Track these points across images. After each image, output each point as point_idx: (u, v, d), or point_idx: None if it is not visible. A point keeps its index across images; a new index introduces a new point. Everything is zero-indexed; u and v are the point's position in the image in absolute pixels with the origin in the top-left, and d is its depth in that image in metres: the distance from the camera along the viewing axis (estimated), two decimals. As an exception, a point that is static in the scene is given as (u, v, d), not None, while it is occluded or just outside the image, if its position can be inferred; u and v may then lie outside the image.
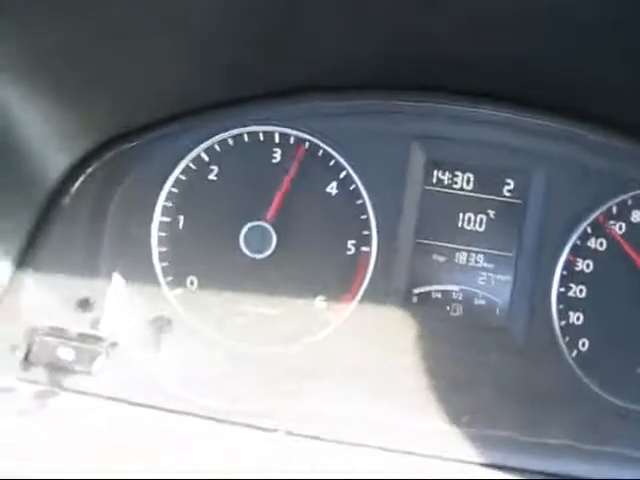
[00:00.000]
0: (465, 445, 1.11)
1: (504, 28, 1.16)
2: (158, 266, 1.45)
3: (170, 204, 1.46)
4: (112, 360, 1.19)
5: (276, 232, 1.42)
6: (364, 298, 1.42)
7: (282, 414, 1.15)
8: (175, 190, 1.46)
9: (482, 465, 1.10)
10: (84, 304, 1.31)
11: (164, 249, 1.46)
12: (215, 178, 1.46)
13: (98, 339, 1.22)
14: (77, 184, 1.38)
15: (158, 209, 1.45)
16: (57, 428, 1.05)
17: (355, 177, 1.43)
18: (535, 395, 1.35)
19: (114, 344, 1.23)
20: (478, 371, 1.35)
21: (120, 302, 1.34)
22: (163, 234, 1.46)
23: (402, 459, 1.12)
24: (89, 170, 1.38)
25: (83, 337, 1.22)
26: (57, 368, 1.17)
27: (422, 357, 1.35)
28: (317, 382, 1.27)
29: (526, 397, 1.33)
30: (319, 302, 1.43)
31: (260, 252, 1.42)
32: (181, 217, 1.46)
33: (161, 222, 1.46)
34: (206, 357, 1.32)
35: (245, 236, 1.42)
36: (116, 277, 1.39)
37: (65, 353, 1.18)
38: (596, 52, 1.18)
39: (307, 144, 1.44)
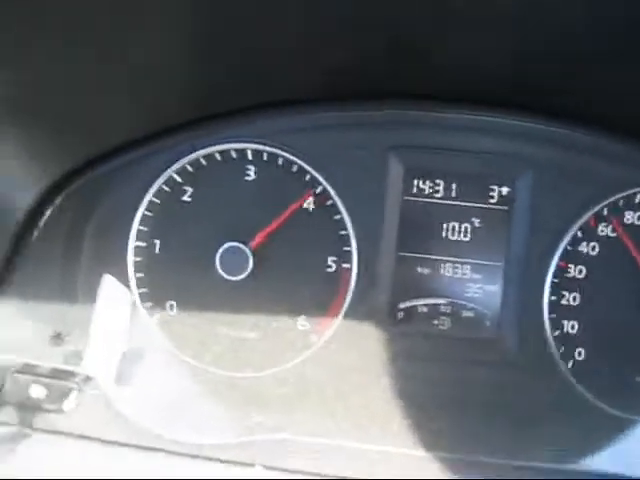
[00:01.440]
0: (448, 473, 1.06)
1: (482, 29, 1.10)
2: (136, 292, 1.42)
3: (145, 228, 1.42)
4: (85, 396, 1.16)
5: (253, 253, 1.37)
6: (347, 316, 1.38)
7: (260, 447, 1.11)
8: (149, 214, 1.42)
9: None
10: (57, 338, 1.28)
11: (141, 275, 1.42)
12: (189, 199, 1.42)
13: (71, 374, 1.19)
14: (46, 216, 1.35)
15: (133, 234, 1.42)
16: (26, 474, 1.03)
17: (332, 192, 1.39)
18: (527, 411, 1.29)
19: (87, 379, 1.20)
20: (466, 389, 1.29)
21: (96, 333, 1.31)
22: (139, 259, 1.42)
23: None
24: (58, 201, 1.35)
25: (56, 373, 1.19)
26: (28, 407, 1.14)
27: (406, 378, 1.30)
28: (295, 412, 1.23)
29: (517, 414, 1.28)
30: (301, 323, 1.39)
31: (237, 274, 1.37)
32: (157, 241, 1.42)
33: (137, 247, 1.42)
34: (182, 387, 1.29)
35: (221, 258, 1.38)
36: (93, 307, 1.36)
37: (37, 391, 1.15)
38: (579, 53, 1.12)
39: (281, 160, 1.40)
